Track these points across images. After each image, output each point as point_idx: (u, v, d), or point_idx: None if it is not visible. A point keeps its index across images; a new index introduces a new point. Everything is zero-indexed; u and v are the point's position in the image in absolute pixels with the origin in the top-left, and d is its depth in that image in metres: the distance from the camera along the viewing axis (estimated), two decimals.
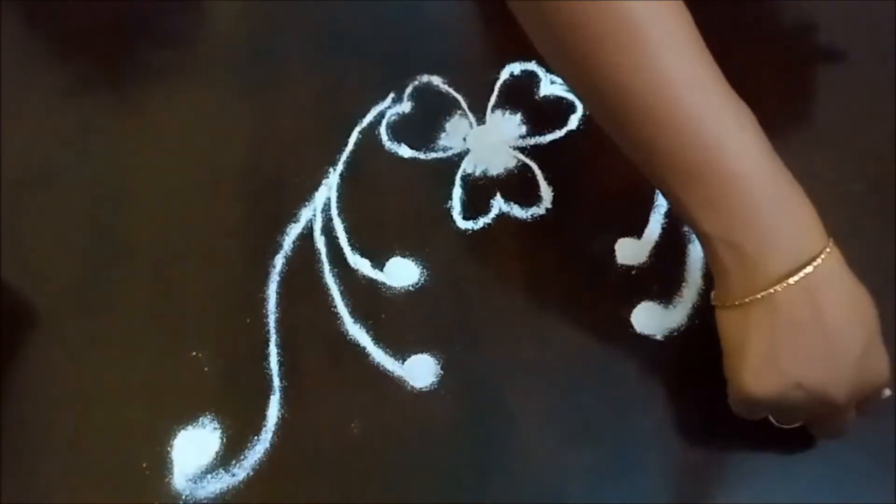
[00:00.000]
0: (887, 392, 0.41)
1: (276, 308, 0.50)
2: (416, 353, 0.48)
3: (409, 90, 0.59)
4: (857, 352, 0.38)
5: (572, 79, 0.44)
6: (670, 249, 0.50)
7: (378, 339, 0.48)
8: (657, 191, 0.52)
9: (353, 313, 0.49)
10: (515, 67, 0.59)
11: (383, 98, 0.58)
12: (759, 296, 0.38)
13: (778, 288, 0.38)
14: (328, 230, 0.53)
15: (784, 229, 0.38)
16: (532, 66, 0.59)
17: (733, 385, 0.40)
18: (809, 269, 0.37)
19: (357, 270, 0.51)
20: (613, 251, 0.50)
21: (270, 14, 0.65)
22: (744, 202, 0.38)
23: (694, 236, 0.50)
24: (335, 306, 0.50)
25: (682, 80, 0.38)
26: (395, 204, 0.54)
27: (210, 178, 0.56)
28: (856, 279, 0.39)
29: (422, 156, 0.56)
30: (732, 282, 0.39)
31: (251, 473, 0.45)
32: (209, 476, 0.45)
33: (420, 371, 0.47)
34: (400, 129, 0.57)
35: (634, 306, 0.48)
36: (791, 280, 0.37)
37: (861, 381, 0.39)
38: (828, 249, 0.38)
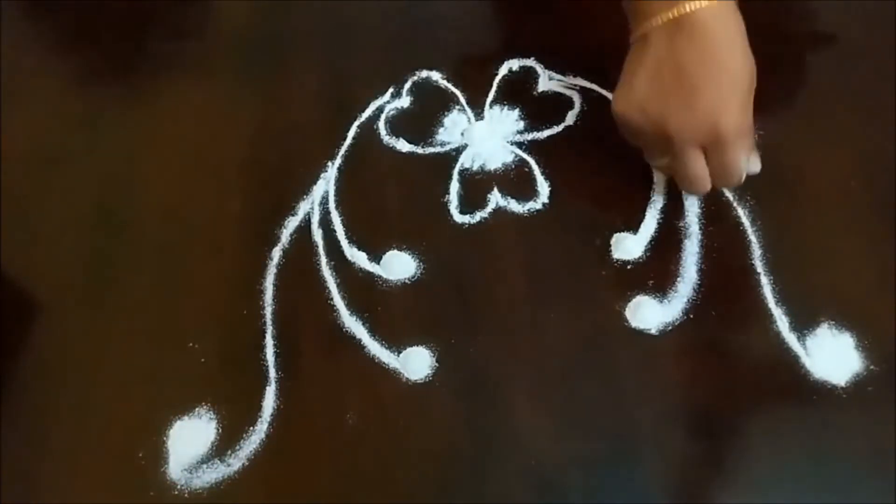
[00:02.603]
0: (755, 166, 0.47)
1: (273, 300, 0.50)
2: (411, 345, 0.48)
3: (408, 85, 0.59)
4: (702, 95, 0.44)
5: None
6: (666, 244, 0.50)
7: (374, 332, 0.49)
8: (653, 187, 0.52)
9: (349, 306, 0.50)
10: (514, 63, 0.59)
11: (382, 93, 0.58)
12: (639, 34, 0.46)
13: (649, 26, 0.45)
14: (326, 223, 0.53)
15: None
16: (530, 62, 0.59)
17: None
18: (675, 13, 0.44)
19: (354, 263, 0.51)
20: (609, 246, 0.51)
21: (273, 9, 0.65)
22: None
23: (690, 232, 0.50)
24: (332, 299, 0.50)
25: None
26: (392, 198, 0.54)
27: (211, 170, 0.56)
28: (738, 42, 0.44)
29: (420, 150, 0.56)
30: (631, 26, 0.48)
31: (246, 464, 0.45)
32: (205, 466, 0.45)
33: (415, 363, 0.47)
34: (398, 124, 0.57)
35: (629, 300, 0.48)
36: (659, 20, 0.45)
37: (697, 124, 0.44)
38: (703, 4, 0.43)
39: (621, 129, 0.50)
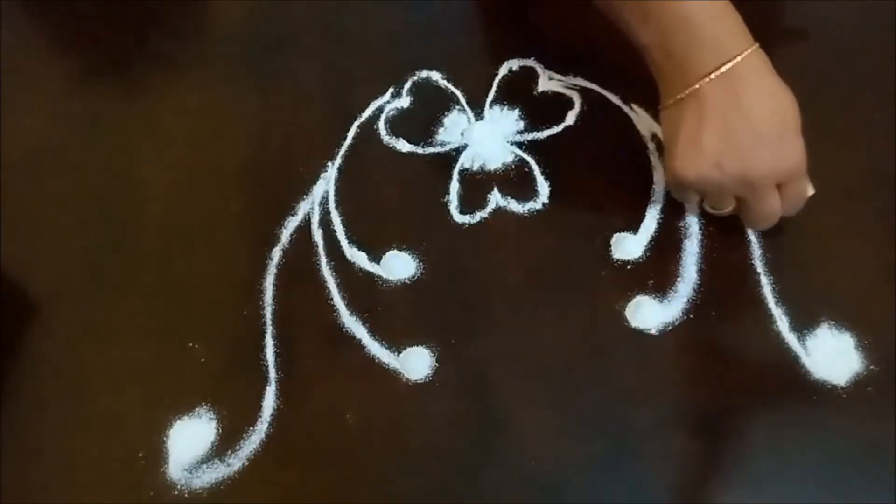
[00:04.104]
0: (810, 190, 0.47)
1: (273, 300, 0.50)
2: (411, 345, 0.48)
3: (408, 85, 0.59)
4: (773, 137, 0.44)
5: None
6: (666, 244, 0.50)
7: (374, 332, 0.49)
8: (653, 187, 0.52)
9: (349, 306, 0.50)
10: (514, 63, 0.59)
11: (382, 93, 0.58)
12: (687, 91, 0.45)
13: (703, 82, 0.44)
14: (326, 223, 0.53)
15: (708, 34, 0.44)
16: (530, 62, 0.59)
17: (666, 170, 0.49)
18: (730, 64, 0.44)
19: (354, 263, 0.51)
20: (609, 246, 0.51)
21: (273, 8, 0.65)
22: (675, 15, 0.44)
23: (690, 232, 0.50)
24: (332, 299, 0.50)
25: None
26: (392, 198, 0.54)
27: (211, 170, 0.56)
28: (778, 79, 0.45)
29: (420, 150, 0.56)
30: (668, 83, 0.46)
31: (246, 464, 0.45)
32: (204, 466, 0.45)
33: (415, 363, 0.47)
34: (398, 124, 0.57)
35: (629, 301, 0.48)
36: (713, 75, 0.44)
37: (777, 165, 0.45)
38: (749, 50, 0.44)
39: (683, 188, 0.48)
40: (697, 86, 0.44)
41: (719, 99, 0.44)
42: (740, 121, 0.44)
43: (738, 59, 0.44)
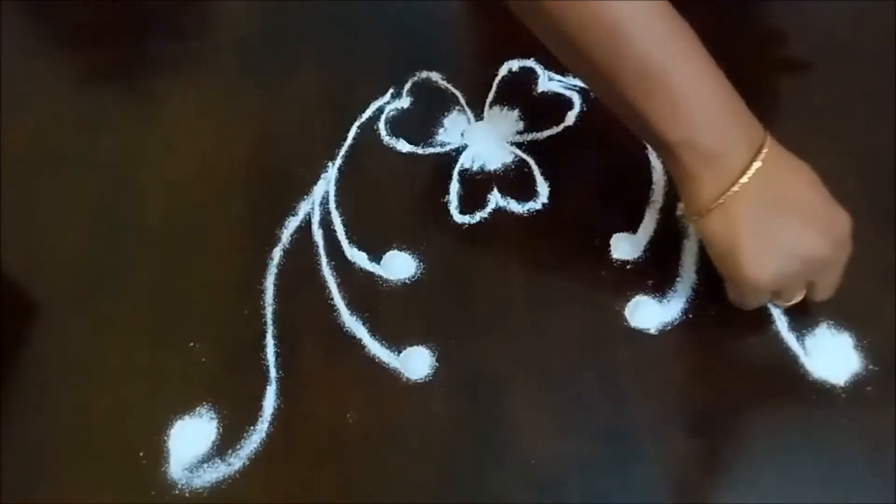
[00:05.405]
0: None
1: (274, 300, 0.50)
2: (411, 345, 0.48)
3: (408, 85, 0.59)
4: (821, 203, 0.42)
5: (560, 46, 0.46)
6: (665, 244, 0.50)
7: (374, 332, 0.49)
8: (653, 187, 0.52)
9: (349, 306, 0.50)
10: (514, 64, 0.59)
11: (382, 93, 0.59)
12: (734, 190, 0.40)
13: (746, 178, 0.40)
14: (326, 223, 0.53)
15: (734, 125, 0.41)
16: (530, 62, 0.59)
17: (736, 280, 0.43)
18: (766, 151, 0.41)
19: (354, 263, 0.51)
20: (608, 246, 0.51)
21: (273, 9, 0.65)
22: (700, 102, 0.40)
23: (689, 232, 0.50)
24: (332, 299, 0.50)
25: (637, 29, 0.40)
26: (392, 198, 0.54)
27: (211, 170, 0.57)
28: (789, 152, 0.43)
29: (420, 151, 0.56)
30: (704, 184, 0.41)
31: (247, 463, 0.45)
32: (205, 465, 0.45)
33: (415, 363, 0.47)
34: (399, 124, 0.57)
35: (629, 300, 0.48)
36: (755, 166, 0.40)
37: (837, 231, 0.42)
38: (767, 133, 0.42)
39: (759, 293, 0.44)
40: (744, 181, 0.40)
41: (768, 190, 0.41)
42: (795, 206, 0.41)
43: (768, 145, 0.41)
